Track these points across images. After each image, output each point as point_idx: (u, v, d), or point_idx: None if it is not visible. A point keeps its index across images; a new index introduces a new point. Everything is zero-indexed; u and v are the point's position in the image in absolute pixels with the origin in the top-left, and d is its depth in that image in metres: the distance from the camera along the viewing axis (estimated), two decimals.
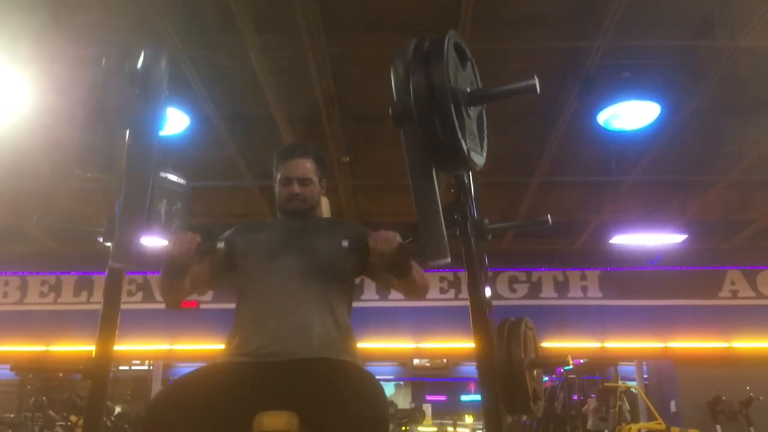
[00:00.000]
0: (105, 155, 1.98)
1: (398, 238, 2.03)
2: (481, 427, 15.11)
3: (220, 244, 2.11)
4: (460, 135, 1.80)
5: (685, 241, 10.64)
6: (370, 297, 11.69)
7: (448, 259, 1.85)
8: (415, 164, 1.88)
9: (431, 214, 1.87)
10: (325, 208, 2.71)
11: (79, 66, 5.08)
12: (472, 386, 19.05)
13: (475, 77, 2.14)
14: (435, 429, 15.87)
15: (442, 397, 19.72)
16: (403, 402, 17.02)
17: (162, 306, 11.74)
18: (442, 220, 1.87)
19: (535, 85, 1.92)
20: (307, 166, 2.49)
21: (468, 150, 1.85)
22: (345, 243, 2.09)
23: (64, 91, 5.91)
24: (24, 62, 5.75)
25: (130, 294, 11.62)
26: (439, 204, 1.88)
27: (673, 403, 11.28)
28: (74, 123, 2.01)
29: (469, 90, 1.99)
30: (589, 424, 10.78)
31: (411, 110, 1.81)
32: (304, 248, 2.40)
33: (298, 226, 2.49)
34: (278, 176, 2.51)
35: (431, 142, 1.82)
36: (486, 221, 2.24)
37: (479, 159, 2.01)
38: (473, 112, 2.00)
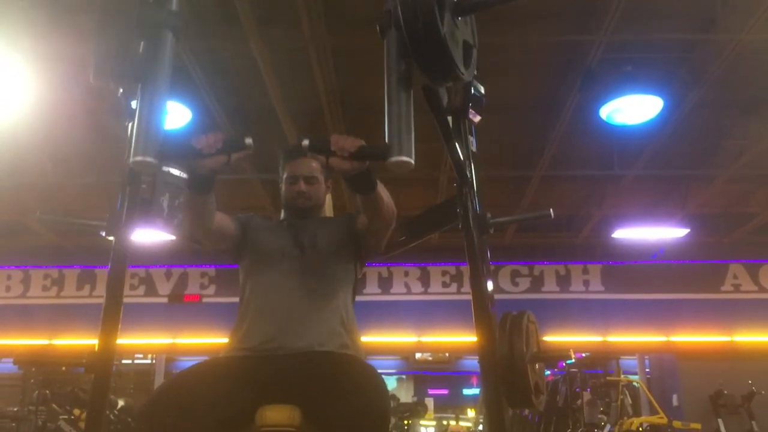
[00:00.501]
0: (119, 63, 1.95)
1: (362, 142, 1.88)
2: (483, 420, 15.12)
3: (248, 140, 1.94)
4: (444, 37, 1.75)
5: (687, 235, 10.63)
6: (372, 291, 11.71)
7: (412, 160, 1.71)
8: (392, 68, 1.79)
9: (401, 116, 1.75)
10: (328, 207, 2.72)
11: (80, 60, 5.09)
12: (474, 380, 19.08)
13: None
14: (434, 423, 15.86)
15: (444, 391, 19.75)
16: (406, 396, 17.03)
17: (165, 300, 11.77)
18: (412, 125, 1.74)
19: None
20: (313, 165, 2.51)
21: (451, 52, 1.80)
22: (305, 142, 1.95)
23: (66, 85, 5.92)
24: (25, 58, 5.75)
25: (133, 288, 11.64)
26: (411, 110, 1.76)
27: (675, 397, 11.28)
28: (89, 34, 1.98)
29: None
30: (587, 416, 10.78)
31: (397, 19, 1.77)
32: (307, 245, 2.41)
33: (302, 224, 2.49)
34: (284, 175, 2.53)
35: (414, 45, 1.74)
36: (488, 215, 2.24)
37: (467, 73, 1.95)
38: (461, 23, 1.96)
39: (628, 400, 10.73)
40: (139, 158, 1.76)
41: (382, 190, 2.14)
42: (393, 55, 1.81)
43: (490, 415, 2.08)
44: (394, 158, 1.71)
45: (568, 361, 10.41)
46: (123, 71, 1.94)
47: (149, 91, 1.88)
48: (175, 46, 1.97)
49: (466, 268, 2.19)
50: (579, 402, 11.07)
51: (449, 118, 2.21)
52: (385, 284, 11.88)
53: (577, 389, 11.29)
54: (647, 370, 13.03)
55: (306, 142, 1.89)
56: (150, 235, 7.59)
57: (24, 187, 9.02)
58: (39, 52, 5.72)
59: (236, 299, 2.45)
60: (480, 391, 10.11)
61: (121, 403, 11.02)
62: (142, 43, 1.95)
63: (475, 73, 2.17)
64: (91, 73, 1.92)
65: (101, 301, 2.10)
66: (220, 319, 10.32)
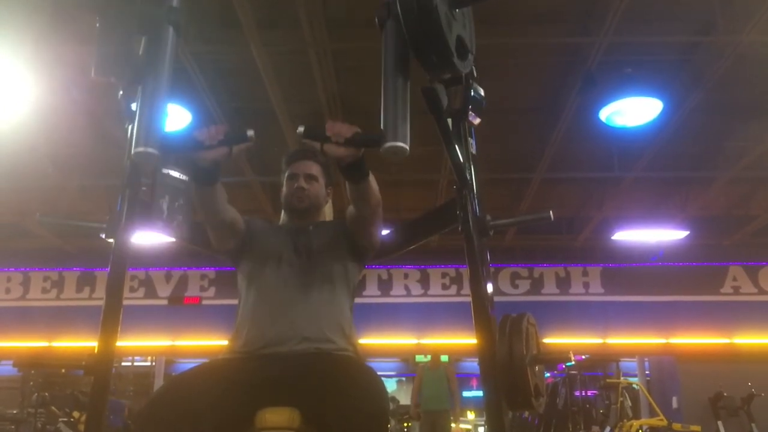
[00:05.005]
0: (120, 59, 1.95)
1: (357, 129, 1.90)
2: (483, 423, 15.09)
3: (250, 132, 1.97)
4: (440, 21, 1.75)
5: (687, 237, 10.64)
6: (371, 293, 11.70)
7: (407, 146, 1.71)
8: (389, 58, 1.80)
9: (397, 104, 1.76)
10: (328, 214, 2.71)
11: (80, 63, 5.09)
12: (474, 382, 19.06)
13: None
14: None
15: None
16: (405, 398, 17.01)
17: (164, 302, 11.77)
18: (408, 113, 1.75)
19: None
20: (314, 167, 2.52)
21: (447, 38, 1.80)
22: (301, 128, 1.90)
23: (66, 88, 5.92)
24: (26, 61, 5.76)
25: (133, 290, 11.64)
26: (408, 98, 1.78)
27: (674, 399, 11.28)
28: (90, 37, 1.98)
29: None
30: None
31: (395, 10, 1.77)
32: (305, 250, 2.41)
33: (302, 228, 2.49)
34: (285, 175, 2.54)
35: (414, 36, 1.75)
36: (488, 217, 2.23)
37: (462, 65, 1.95)
38: (459, 15, 1.96)
39: (628, 403, 10.71)
40: (141, 149, 1.77)
41: (372, 180, 2.16)
42: (390, 44, 1.82)
43: (490, 418, 2.08)
44: (389, 144, 1.70)
45: (568, 363, 10.32)
46: (124, 67, 1.95)
47: (150, 86, 1.88)
48: (176, 42, 1.98)
49: (465, 271, 2.19)
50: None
51: (449, 121, 2.22)
52: (385, 286, 11.88)
53: (577, 392, 11.29)
54: (647, 372, 13.02)
55: (302, 129, 1.90)
56: (150, 237, 7.58)
57: (24, 189, 9.02)
58: (40, 56, 5.72)
59: (236, 301, 2.45)
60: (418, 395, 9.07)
61: None
62: (143, 39, 1.96)
63: (475, 74, 2.17)
64: (93, 69, 1.93)
65: (101, 303, 2.10)
66: (220, 321, 10.33)
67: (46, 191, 9.12)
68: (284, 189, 2.55)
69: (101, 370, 2.05)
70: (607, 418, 10.65)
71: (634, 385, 11.96)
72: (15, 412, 10.93)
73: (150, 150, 1.78)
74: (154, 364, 14.07)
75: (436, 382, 8.95)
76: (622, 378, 11.44)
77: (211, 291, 11.83)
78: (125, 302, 2.15)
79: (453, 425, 8.70)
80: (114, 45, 1.94)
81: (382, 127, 1.75)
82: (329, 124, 1.89)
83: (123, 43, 1.94)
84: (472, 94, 2.23)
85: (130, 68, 1.95)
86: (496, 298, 2.21)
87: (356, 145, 1.90)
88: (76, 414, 9.49)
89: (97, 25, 1.94)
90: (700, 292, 11.67)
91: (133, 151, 1.80)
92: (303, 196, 2.49)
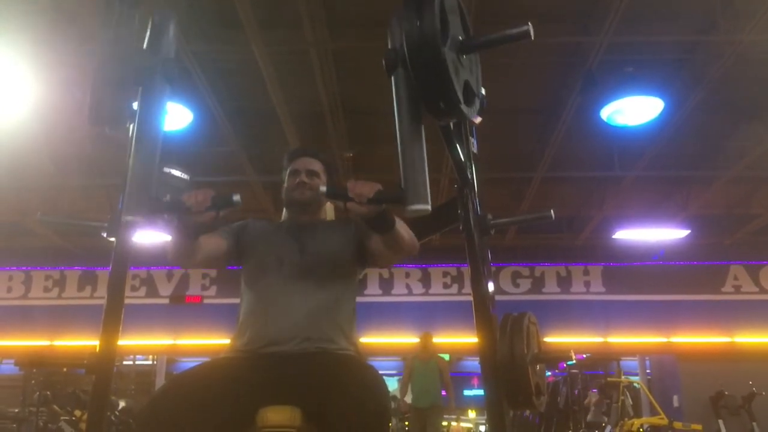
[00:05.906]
0: (115, 111, 1.97)
1: (379, 186, 1.91)
2: (484, 421, 15.08)
3: (236, 197, 1.99)
4: (451, 75, 1.76)
5: (688, 236, 10.64)
6: (373, 292, 11.70)
7: (429, 206, 1.77)
8: (403, 110, 1.83)
9: (415, 160, 1.80)
10: (329, 212, 2.71)
11: (81, 63, 5.10)
12: (475, 381, 19.06)
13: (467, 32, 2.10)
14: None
15: (444, 392, 19.71)
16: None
17: (166, 301, 11.77)
18: (426, 168, 1.80)
19: (528, 31, 1.87)
20: (316, 164, 2.53)
21: (457, 90, 1.80)
22: (323, 188, 1.99)
23: (67, 88, 5.92)
24: (27, 60, 5.76)
25: (134, 289, 11.64)
26: (424, 151, 1.82)
27: (675, 398, 11.27)
28: (87, 80, 2.00)
29: (461, 38, 1.95)
30: (590, 416, 10.77)
31: (403, 56, 1.79)
32: (307, 247, 2.41)
33: (303, 226, 2.49)
34: (287, 172, 2.54)
35: (422, 83, 1.78)
36: (489, 216, 2.24)
37: (469, 111, 1.96)
38: (466, 61, 1.97)
39: (629, 401, 10.70)
40: (129, 217, 1.85)
41: (401, 227, 2.15)
42: (402, 95, 1.84)
43: (491, 417, 2.08)
44: (412, 207, 1.77)
45: (569, 362, 10.31)
46: (118, 117, 1.98)
47: (143, 143, 1.92)
48: (170, 94, 2.01)
49: (467, 269, 2.19)
50: (587, 401, 11.06)
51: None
52: (386, 285, 11.88)
53: (576, 391, 11.29)
54: (648, 371, 13.02)
55: (323, 189, 1.95)
56: (151, 236, 7.59)
57: (25, 188, 9.04)
58: (40, 55, 5.73)
59: (237, 300, 2.45)
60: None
61: (122, 404, 11.03)
62: (138, 90, 1.99)
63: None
64: (87, 117, 1.96)
65: (102, 302, 2.10)
66: (222, 320, 10.33)
67: (47, 190, 9.13)
68: (285, 184, 2.55)
69: (103, 369, 2.05)
70: (607, 416, 10.65)
71: (635, 384, 11.96)
72: (17, 410, 10.95)
73: (138, 219, 1.86)
74: (155, 363, 14.07)
75: (427, 376, 8.33)
76: (623, 377, 11.43)
77: (213, 290, 11.83)
78: (127, 301, 2.16)
79: (454, 424, 8.53)
80: (109, 95, 1.97)
81: (401, 183, 1.80)
82: (351, 185, 1.91)
83: (118, 93, 1.98)
84: None
85: (124, 118, 1.99)
86: (497, 297, 2.21)
87: (378, 203, 1.92)
88: (77, 413, 9.51)
89: (93, 77, 1.97)
90: (701, 291, 11.67)
91: (122, 218, 1.88)
92: (305, 189, 2.49)
